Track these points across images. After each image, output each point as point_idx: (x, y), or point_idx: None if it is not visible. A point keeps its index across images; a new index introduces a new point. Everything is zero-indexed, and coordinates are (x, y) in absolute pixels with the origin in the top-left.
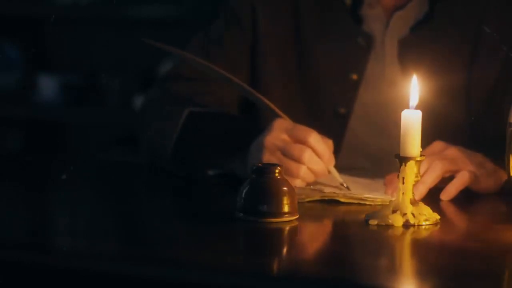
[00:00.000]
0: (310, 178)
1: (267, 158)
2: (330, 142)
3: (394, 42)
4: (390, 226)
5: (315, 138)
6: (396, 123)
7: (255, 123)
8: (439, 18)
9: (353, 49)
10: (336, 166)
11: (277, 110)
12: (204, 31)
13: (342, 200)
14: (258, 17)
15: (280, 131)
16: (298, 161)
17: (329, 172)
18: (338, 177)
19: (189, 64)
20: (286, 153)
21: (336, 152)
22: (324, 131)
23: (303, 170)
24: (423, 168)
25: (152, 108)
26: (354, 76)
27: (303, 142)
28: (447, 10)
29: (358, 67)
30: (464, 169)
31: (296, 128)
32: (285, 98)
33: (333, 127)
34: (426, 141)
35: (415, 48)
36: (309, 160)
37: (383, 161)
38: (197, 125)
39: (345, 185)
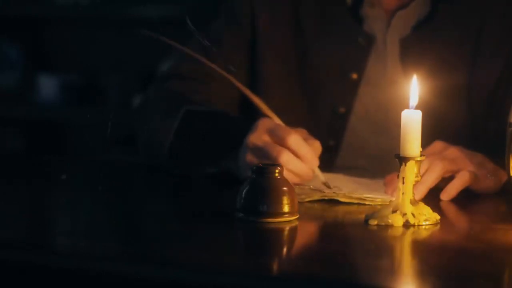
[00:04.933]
0: (292, 179)
1: (249, 158)
2: (316, 144)
3: (395, 41)
4: (390, 226)
5: (295, 139)
6: (396, 123)
7: (252, 122)
8: (441, 18)
9: (353, 48)
10: (335, 166)
11: (264, 108)
12: (204, 31)
13: (342, 200)
14: (258, 17)
15: (262, 131)
16: (275, 162)
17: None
18: (321, 176)
19: (188, 62)
20: (264, 154)
21: (336, 151)
22: (323, 131)
23: None
24: (423, 168)
25: (150, 106)
26: (354, 76)
27: (282, 143)
28: (449, 10)
29: (358, 67)
30: (464, 169)
31: (277, 129)
32: (285, 97)
33: (333, 126)
34: (426, 141)
35: (416, 48)
36: (287, 161)
37: (383, 161)
38: (193, 124)
39: (328, 184)
